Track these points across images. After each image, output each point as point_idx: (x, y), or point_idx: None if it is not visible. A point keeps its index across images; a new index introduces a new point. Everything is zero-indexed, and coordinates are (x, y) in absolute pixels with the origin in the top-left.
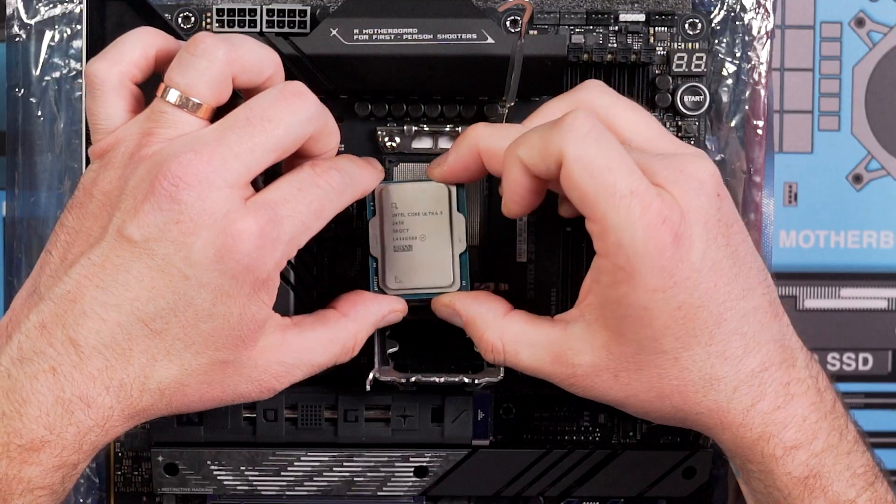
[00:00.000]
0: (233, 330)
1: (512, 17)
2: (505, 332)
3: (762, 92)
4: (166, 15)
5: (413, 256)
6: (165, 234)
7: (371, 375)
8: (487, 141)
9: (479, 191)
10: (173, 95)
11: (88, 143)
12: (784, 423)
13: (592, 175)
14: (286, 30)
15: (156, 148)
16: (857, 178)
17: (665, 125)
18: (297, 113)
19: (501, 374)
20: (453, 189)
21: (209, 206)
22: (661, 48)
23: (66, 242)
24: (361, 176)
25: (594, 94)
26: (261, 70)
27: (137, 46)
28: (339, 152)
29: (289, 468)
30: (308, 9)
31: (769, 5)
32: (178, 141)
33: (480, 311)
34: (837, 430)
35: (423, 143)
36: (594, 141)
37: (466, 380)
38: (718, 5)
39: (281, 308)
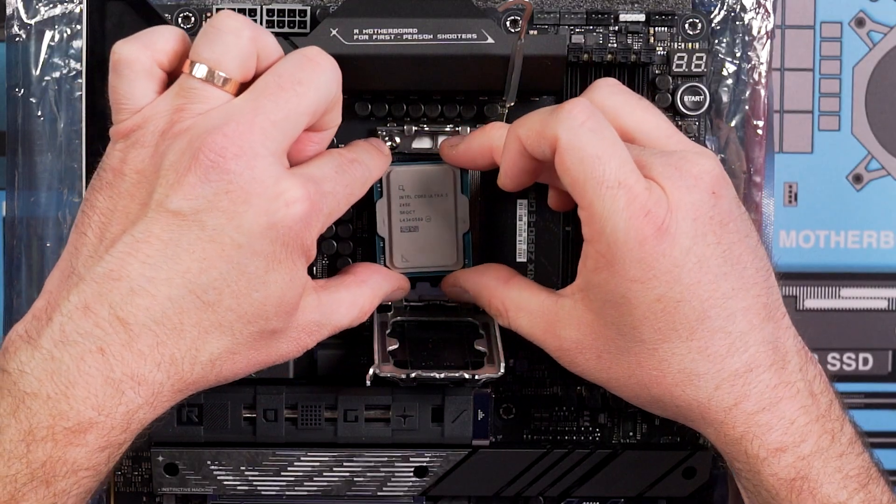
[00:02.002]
0: (282, 296)
1: (512, 17)
2: (507, 298)
3: (762, 92)
4: (166, 15)
5: (419, 237)
6: (215, 204)
7: (371, 371)
8: (500, 143)
9: (478, 194)
10: (202, 70)
11: (89, 142)
12: (769, 426)
13: (582, 162)
14: (286, 30)
15: (189, 123)
16: (858, 178)
17: None
18: (324, 74)
19: (501, 371)
20: (458, 172)
21: (258, 175)
22: (661, 48)
23: (100, 223)
24: (376, 166)
25: (606, 93)
26: (272, 54)
27: (170, 37)
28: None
29: (289, 468)
30: (308, 9)
31: (769, 5)
32: (213, 114)
33: (483, 281)
34: (830, 433)
35: (423, 143)
36: (588, 130)
37: (466, 375)
38: (718, 5)
39: None
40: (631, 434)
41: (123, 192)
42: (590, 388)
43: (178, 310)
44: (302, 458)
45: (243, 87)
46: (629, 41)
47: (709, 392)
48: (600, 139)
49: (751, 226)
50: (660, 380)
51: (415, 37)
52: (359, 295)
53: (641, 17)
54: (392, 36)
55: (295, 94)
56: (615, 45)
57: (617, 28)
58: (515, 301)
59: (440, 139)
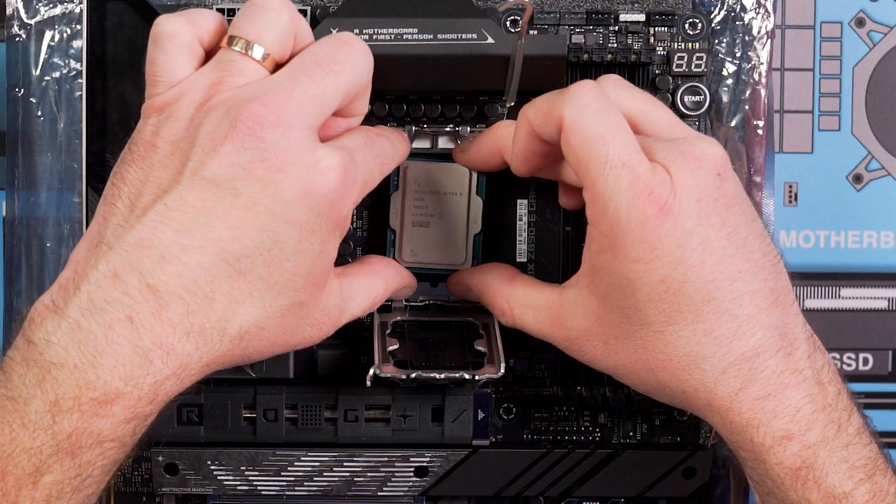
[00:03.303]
0: (312, 268)
1: (512, 17)
2: (511, 297)
3: (762, 92)
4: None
5: (430, 232)
6: (251, 172)
7: (371, 372)
8: (508, 141)
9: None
10: (241, 44)
11: (89, 142)
12: (774, 412)
13: (587, 142)
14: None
15: (227, 95)
16: (858, 178)
17: None
18: (359, 57)
19: (502, 371)
20: (475, 173)
21: (294, 144)
22: (661, 48)
23: (131, 193)
24: (401, 146)
25: (610, 85)
26: (307, 39)
27: (211, 17)
28: None
29: (289, 468)
30: (308, 9)
31: (769, 5)
32: (251, 86)
33: (488, 279)
34: (836, 422)
35: (424, 143)
36: (594, 111)
37: (467, 376)
38: (718, 5)
39: None
40: (631, 434)
41: (156, 163)
42: (590, 387)
43: (209, 278)
44: (302, 458)
45: (278, 67)
46: (629, 41)
47: (715, 376)
48: (605, 119)
49: (756, 213)
50: (666, 363)
51: (415, 37)
52: (374, 285)
53: (641, 17)
54: (392, 36)
55: (331, 73)
56: (615, 45)
57: (617, 28)
58: (520, 299)
59: (440, 139)
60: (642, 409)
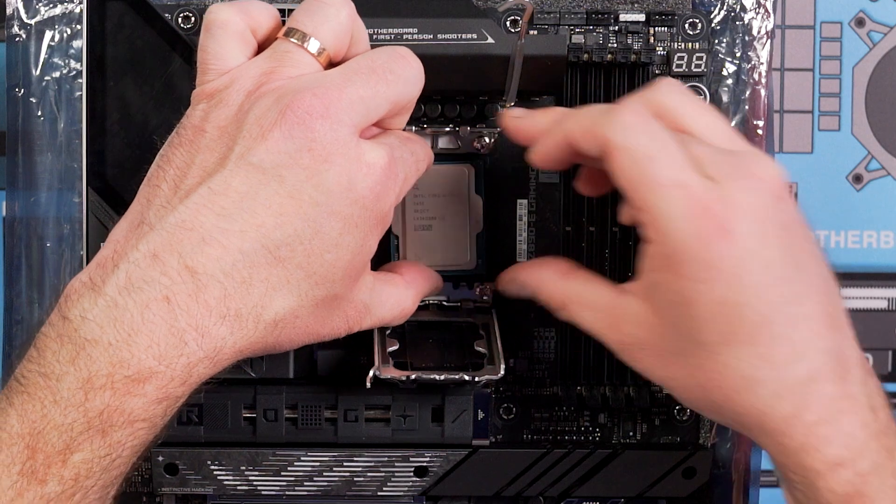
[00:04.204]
0: (353, 261)
1: (512, 17)
2: (568, 293)
3: (762, 92)
4: (166, 15)
5: (432, 235)
6: (297, 160)
7: (371, 373)
8: (577, 136)
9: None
10: (298, 36)
11: (89, 142)
12: (828, 439)
13: (636, 163)
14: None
15: (278, 84)
16: (858, 178)
17: None
18: (414, 73)
19: (502, 372)
20: (472, 172)
21: (341, 137)
22: (661, 48)
23: (175, 176)
24: (429, 150)
25: (664, 90)
26: (363, 42)
27: (264, 9)
28: None
29: (289, 468)
30: None
31: (769, 5)
32: (304, 77)
33: (542, 276)
34: (887, 449)
35: None
36: (640, 132)
37: (467, 377)
38: (718, 5)
39: None
40: (631, 434)
41: (202, 147)
42: (589, 388)
43: (248, 263)
44: (302, 458)
45: (332, 64)
46: (629, 41)
47: (769, 400)
48: (652, 139)
49: (812, 234)
50: (720, 384)
51: (415, 37)
52: (405, 297)
53: (641, 17)
54: (392, 36)
55: (385, 80)
56: (615, 45)
57: (617, 28)
58: (578, 295)
59: (440, 140)
60: (642, 410)
